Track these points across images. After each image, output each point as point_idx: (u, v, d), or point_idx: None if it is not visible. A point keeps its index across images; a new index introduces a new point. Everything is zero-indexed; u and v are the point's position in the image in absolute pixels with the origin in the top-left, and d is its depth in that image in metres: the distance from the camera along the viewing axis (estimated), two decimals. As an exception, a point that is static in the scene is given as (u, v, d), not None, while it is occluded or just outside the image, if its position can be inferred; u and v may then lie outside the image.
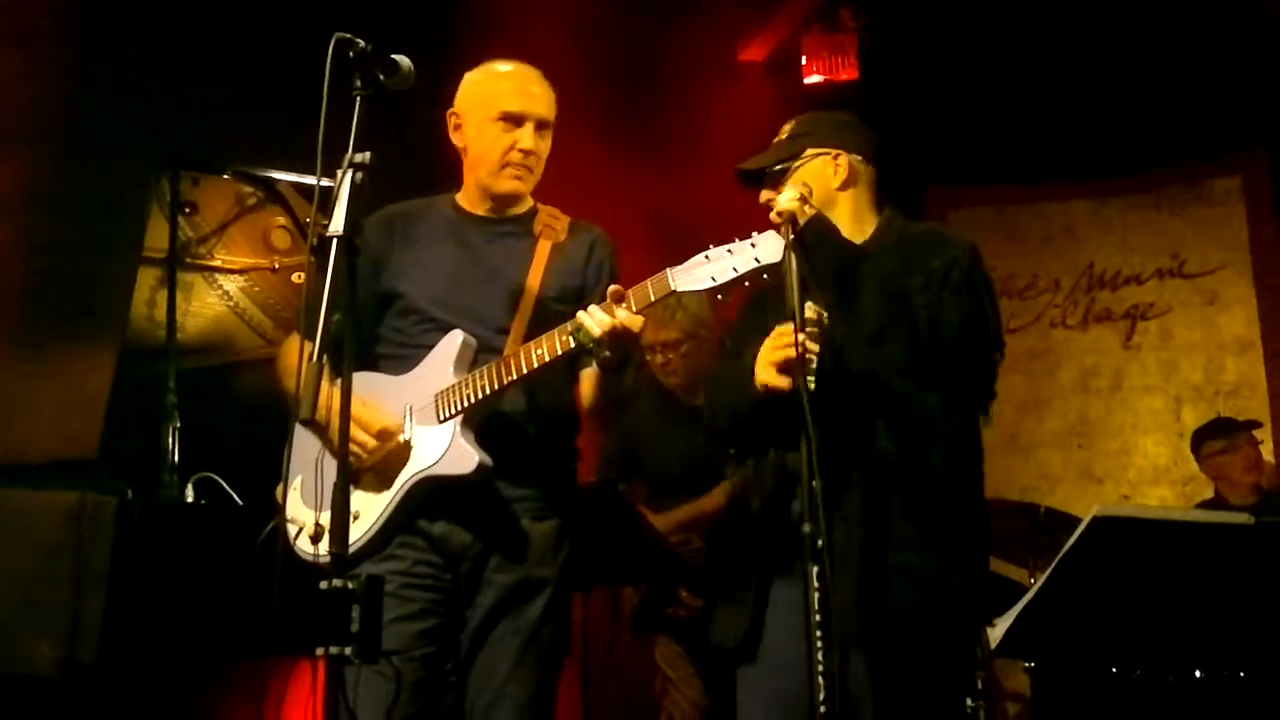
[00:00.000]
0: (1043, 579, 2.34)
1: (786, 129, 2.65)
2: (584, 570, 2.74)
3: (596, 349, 2.34)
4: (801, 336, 2.23)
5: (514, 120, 2.57)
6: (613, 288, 2.32)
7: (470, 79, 2.66)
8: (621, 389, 2.55)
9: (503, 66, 2.66)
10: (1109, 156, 5.52)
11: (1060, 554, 2.29)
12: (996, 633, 2.34)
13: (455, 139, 2.65)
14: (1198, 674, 2.85)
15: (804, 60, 5.33)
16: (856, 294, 2.48)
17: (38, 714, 2.88)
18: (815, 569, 2.13)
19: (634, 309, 2.31)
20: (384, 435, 2.45)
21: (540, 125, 2.59)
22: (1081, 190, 5.73)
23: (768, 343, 2.36)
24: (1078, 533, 2.26)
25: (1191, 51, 5.09)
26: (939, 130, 5.42)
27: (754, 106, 5.30)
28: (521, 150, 2.56)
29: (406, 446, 2.46)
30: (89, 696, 2.84)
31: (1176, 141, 5.39)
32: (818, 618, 2.12)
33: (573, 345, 2.35)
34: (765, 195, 2.54)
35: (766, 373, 2.34)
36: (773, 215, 2.32)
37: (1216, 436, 4.66)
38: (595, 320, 2.30)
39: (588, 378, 2.58)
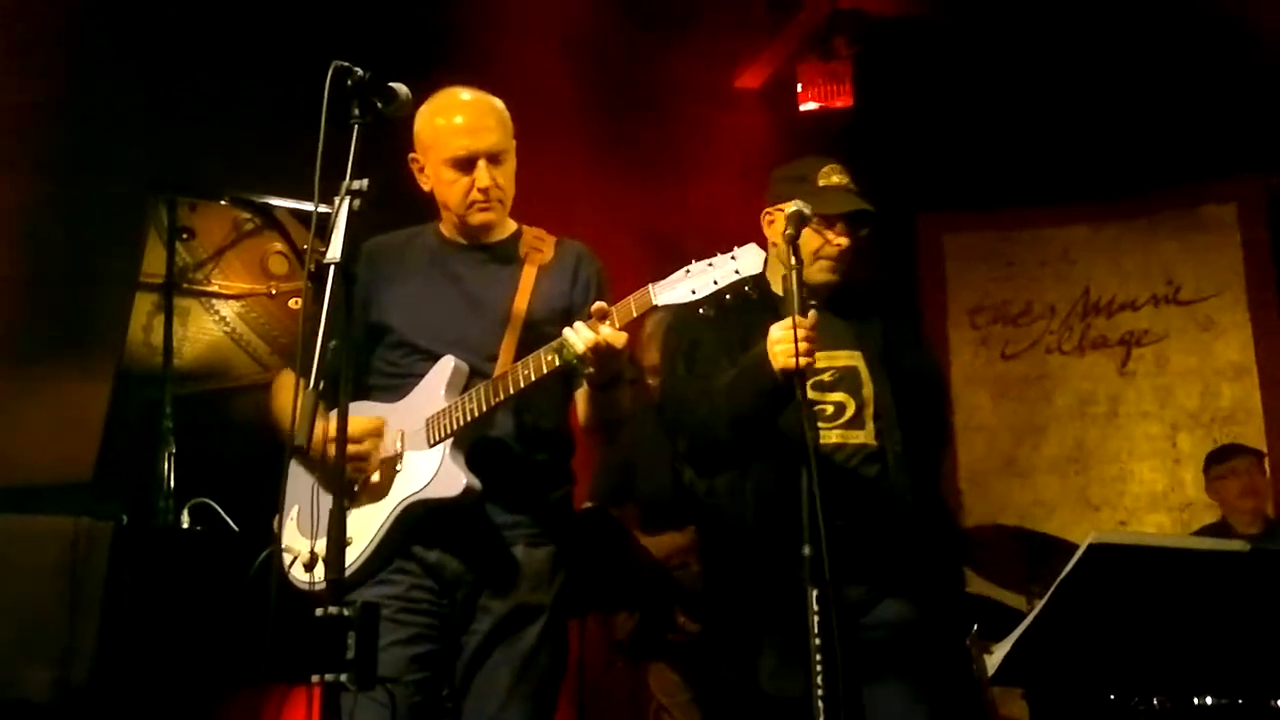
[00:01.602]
0: (1040, 606, 2.34)
1: (848, 179, 2.72)
2: (579, 596, 2.74)
3: (581, 366, 2.35)
4: (807, 332, 2.31)
5: (464, 164, 2.53)
6: (596, 305, 2.33)
7: (419, 119, 2.57)
8: (615, 407, 2.54)
9: (446, 101, 2.58)
10: (1104, 182, 5.55)
11: (1057, 581, 2.28)
12: (994, 659, 2.34)
13: (421, 181, 2.62)
14: (1195, 701, 2.84)
15: (799, 88, 5.36)
16: None
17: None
18: (815, 592, 2.14)
19: (617, 325, 2.31)
20: (371, 434, 2.44)
21: (493, 158, 2.54)
22: (1077, 216, 5.76)
23: (775, 332, 2.41)
24: (1074, 560, 2.26)
25: (1187, 78, 5.13)
26: (934, 156, 5.45)
27: (749, 132, 5.34)
28: (480, 189, 2.54)
29: (397, 471, 2.46)
30: (82, 723, 2.82)
31: (1172, 167, 5.42)
32: (817, 641, 2.13)
33: (558, 364, 2.35)
34: (847, 240, 2.65)
35: (781, 360, 2.38)
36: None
37: (1217, 461, 4.67)
38: (579, 337, 2.30)
39: (582, 397, 2.58)
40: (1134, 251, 5.68)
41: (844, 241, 2.65)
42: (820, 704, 2.13)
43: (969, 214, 5.83)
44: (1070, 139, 5.38)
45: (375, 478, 2.49)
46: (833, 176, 2.70)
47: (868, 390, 2.61)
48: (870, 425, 2.60)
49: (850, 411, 2.59)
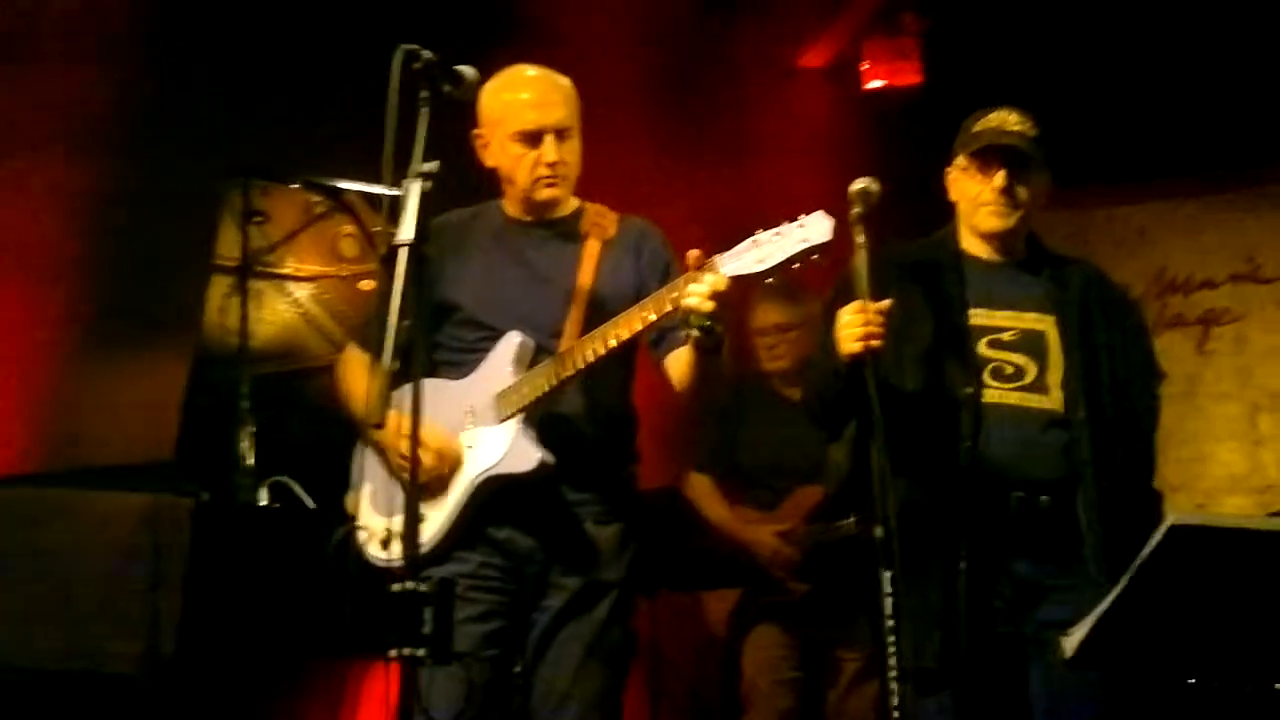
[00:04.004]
0: (1118, 588, 2.30)
1: (1029, 125, 2.67)
2: (648, 574, 2.75)
3: (716, 323, 2.28)
4: (875, 316, 2.26)
5: (532, 138, 2.53)
6: (692, 253, 2.29)
7: (485, 95, 2.57)
8: (719, 368, 2.48)
9: (512, 77, 2.60)
10: (1181, 158, 5.41)
11: (1136, 562, 2.25)
12: (1071, 642, 2.31)
13: (484, 158, 2.63)
14: (1278, 686, 2.78)
15: (865, 65, 5.29)
16: None
17: (116, 714, 2.94)
18: (889, 574, 2.12)
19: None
20: (441, 455, 2.45)
21: (560, 133, 2.54)
22: (1154, 194, 5.62)
23: (843, 316, 2.35)
24: (1154, 541, 2.22)
25: (1268, 51, 4.98)
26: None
27: (813, 111, 5.29)
28: (546, 164, 2.54)
29: (468, 448, 2.49)
30: (166, 698, 2.89)
31: (1251, 143, 5.26)
32: (891, 623, 2.11)
33: (651, 322, 2.33)
34: (1002, 179, 2.58)
35: (847, 345, 2.33)
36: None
37: None
38: (696, 295, 2.24)
39: (675, 362, 2.54)
40: (1213, 229, 5.53)
41: (999, 182, 2.55)
42: (894, 684, 2.11)
43: (1042, 192, 5.72)
44: (1147, 115, 5.24)
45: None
46: (992, 121, 2.63)
47: (1054, 356, 2.52)
48: (1056, 392, 2.50)
49: (1031, 375, 2.50)
